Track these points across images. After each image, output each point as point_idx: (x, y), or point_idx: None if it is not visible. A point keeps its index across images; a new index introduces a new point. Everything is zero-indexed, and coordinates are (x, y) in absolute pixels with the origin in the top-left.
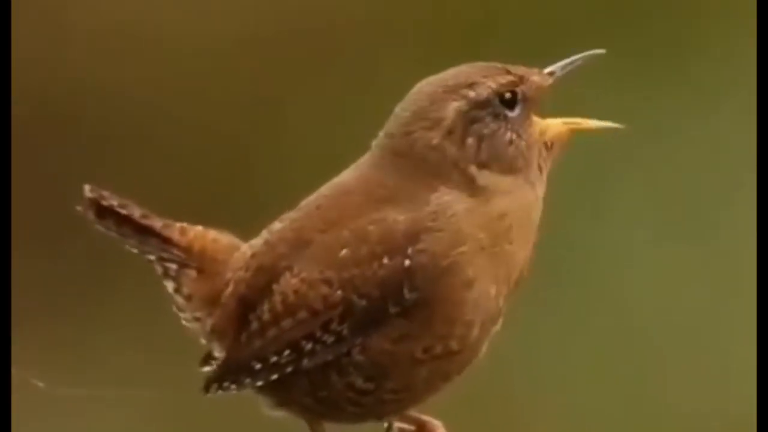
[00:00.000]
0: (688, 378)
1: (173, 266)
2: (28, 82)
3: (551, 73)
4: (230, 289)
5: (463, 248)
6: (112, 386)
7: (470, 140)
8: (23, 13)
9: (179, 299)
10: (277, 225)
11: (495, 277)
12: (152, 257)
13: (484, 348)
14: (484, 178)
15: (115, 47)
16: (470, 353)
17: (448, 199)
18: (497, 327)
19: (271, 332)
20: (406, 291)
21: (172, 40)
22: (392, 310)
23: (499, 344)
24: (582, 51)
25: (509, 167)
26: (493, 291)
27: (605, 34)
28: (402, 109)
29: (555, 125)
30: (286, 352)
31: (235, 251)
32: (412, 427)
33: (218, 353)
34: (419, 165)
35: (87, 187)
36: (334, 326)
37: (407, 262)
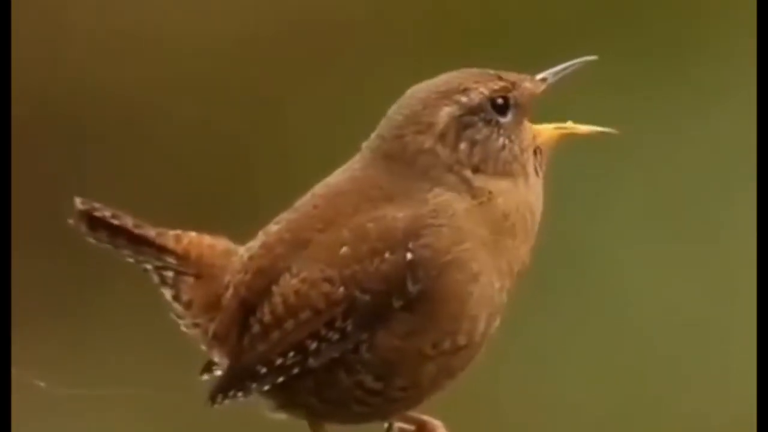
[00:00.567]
0: (687, 378)
1: (170, 274)
2: (28, 82)
3: (543, 80)
4: (230, 293)
5: (466, 245)
6: (112, 386)
7: (463, 145)
8: (23, 13)
9: (178, 306)
10: (273, 227)
11: (499, 271)
12: (148, 266)
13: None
14: (480, 181)
15: (115, 47)
16: (475, 348)
17: (446, 199)
18: (497, 322)
19: (275, 335)
20: (409, 284)
21: (172, 40)
22: (396, 304)
23: (499, 344)
24: (582, 52)
25: (504, 171)
26: (497, 285)
27: (605, 35)
28: (394, 113)
29: (546, 130)
30: (291, 354)
31: (232, 255)
32: (412, 427)
33: (219, 360)
34: (410, 168)
35: (78, 200)
36: (338, 323)
37: (409, 255)
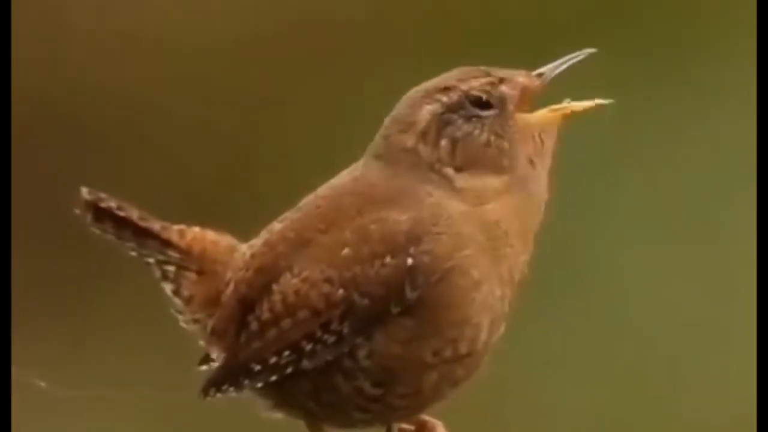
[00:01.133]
0: (688, 379)
1: (171, 268)
2: (28, 82)
3: (540, 75)
4: (230, 289)
5: (467, 251)
6: (112, 386)
7: (443, 143)
8: (23, 13)
9: (178, 301)
10: (276, 225)
11: (499, 278)
12: (150, 260)
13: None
14: (463, 180)
15: (115, 47)
16: (478, 357)
17: (440, 201)
18: (501, 330)
19: (271, 333)
20: (408, 290)
21: (172, 40)
22: (394, 309)
23: (499, 345)
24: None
25: (493, 168)
26: (498, 292)
27: (605, 34)
28: (389, 114)
29: (539, 115)
30: (286, 353)
31: (235, 252)
32: (412, 427)
33: (216, 355)
34: (396, 167)
35: (84, 190)
36: (334, 326)
37: (410, 261)
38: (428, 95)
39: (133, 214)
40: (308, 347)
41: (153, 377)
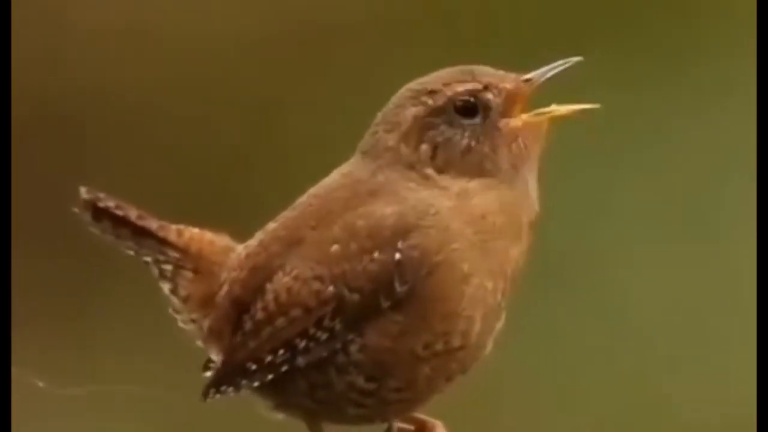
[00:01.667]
0: (688, 378)
1: (169, 268)
2: (28, 82)
3: (528, 80)
4: (225, 289)
5: (455, 245)
6: (111, 386)
7: (424, 147)
8: (23, 13)
9: (176, 301)
10: (271, 225)
11: (490, 271)
12: (148, 259)
13: (489, 346)
14: (445, 180)
15: (114, 48)
16: (474, 350)
17: (427, 196)
18: (500, 324)
19: (266, 332)
20: (397, 284)
21: (172, 41)
22: (384, 304)
23: (499, 344)
24: (581, 51)
25: (475, 172)
26: (490, 285)
27: (605, 34)
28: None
29: (524, 119)
30: (281, 351)
31: (231, 253)
32: (412, 427)
33: (215, 356)
34: (379, 163)
35: (83, 189)
36: (326, 322)
37: (398, 256)
38: (415, 96)
39: (132, 213)
40: (302, 344)
41: (152, 377)
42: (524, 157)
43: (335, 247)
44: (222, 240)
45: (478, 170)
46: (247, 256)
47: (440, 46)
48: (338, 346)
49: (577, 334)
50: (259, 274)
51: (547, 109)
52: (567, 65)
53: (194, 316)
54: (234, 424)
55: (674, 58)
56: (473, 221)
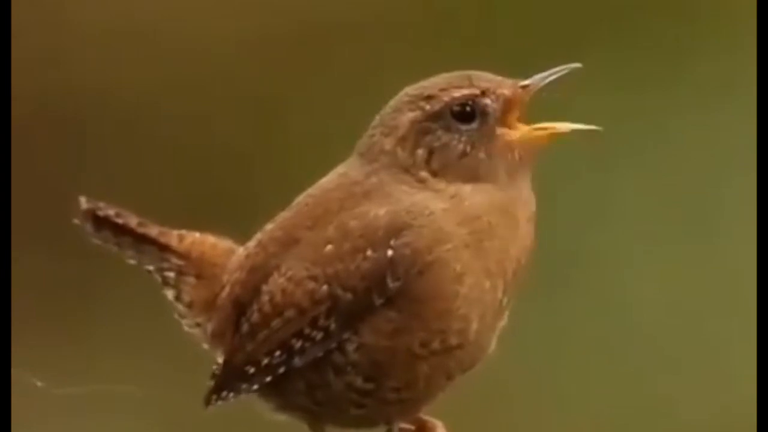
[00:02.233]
0: (688, 377)
1: (172, 275)
2: (28, 82)
3: (526, 86)
4: (226, 291)
5: (448, 245)
6: (111, 386)
7: (420, 151)
8: (23, 13)
9: (180, 307)
10: (269, 225)
11: (487, 271)
12: (151, 267)
13: (492, 344)
14: (440, 184)
15: (114, 48)
16: (473, 349)
17: (421, 198)
18: (503, 322)
19: (262, 334)
20: (389, 280)
21: (172, 41)
22: (377, 301)
23: (499, 344)
24: (581, 51)
25: (468, 177)
26: (487, 284)
27: (605, 34)
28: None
29: (522, 133)
30: (277, 353)
31: (233, 255)
32: (412, 427)
33: (220, 359)
34: (374, 165)
35: (82, 199)
36: (321, 322)
37: (390, 253)
38: (412, 101)
39: (132, 220)
40: (298, 345)
41: (152, 377)
42: (519, 167)
43: (329, 247)
44: (223, 243)
45: (473, 175)
46: (247, 256)
47: (440, 47)
48: (334, 345)
49: (578, 334)
50: (257, 275)
51: (546, 125)
52: (565, 71)
53: (199, 320)
54: (235, 424)
55: (674, 58)
56: (468, 222)
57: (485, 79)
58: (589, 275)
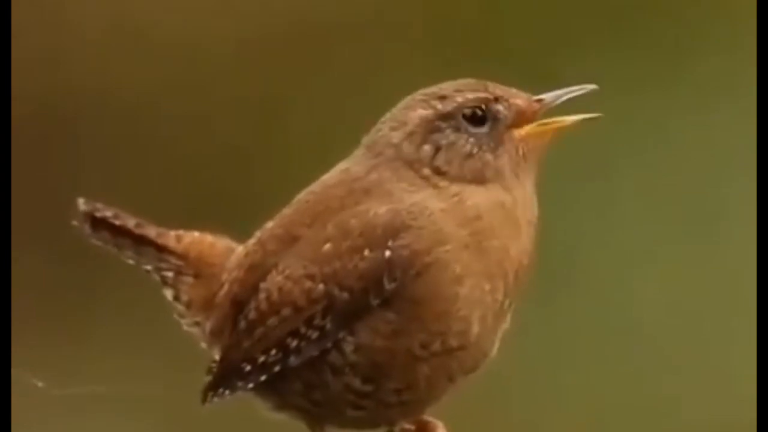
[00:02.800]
0: (688, 377)
1: (170, 274)
2: (28, 82)
3: (539, 100)
4: (224, 290)
5: (447, 247)
6: (110, 386)
7: (426, 147)
8: (23, 13)
9: (179, 306)
10: (269, 223)
11: (487, 272)
12: (149, 267)
13: (494, 347)
14: (442, 183)
15: (115, 48)
16: (475, 351)
17: (422, 197)
18: (505, 325)
19: (258, 331)
20: (386, 281)
21: (172, 41)
22: (374, 301)
23: (500, 345)
24: (581, 51)
25: (473, 178)
26: (487, 286)
27: (606, 34)
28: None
29: (528, 129)
30: (273, 351)
31: (232, 254)
32: (413, 427)
33: (217, 357)
34: (378, 159)
35: (81, 201)
36: (317, 321)
37: (387, 254)
38: (425, 99)
39: (130, 222)
40: (293, 344)
41: (151, 377)
42: (524, 164)
43: (328, 246)
44: (222, 242)
45: (477, 176)
46: (246, 255)
47: (440, 47)
48: (329, 345)
49: (578, 334)
50: (255, 273)
51: (551, 120)
52: (581, 92)
53: (198, 319)
54: (234, 424)
55: (674, 58)
56: (468, 222)
57: (501, 88)
58: (589, 275)
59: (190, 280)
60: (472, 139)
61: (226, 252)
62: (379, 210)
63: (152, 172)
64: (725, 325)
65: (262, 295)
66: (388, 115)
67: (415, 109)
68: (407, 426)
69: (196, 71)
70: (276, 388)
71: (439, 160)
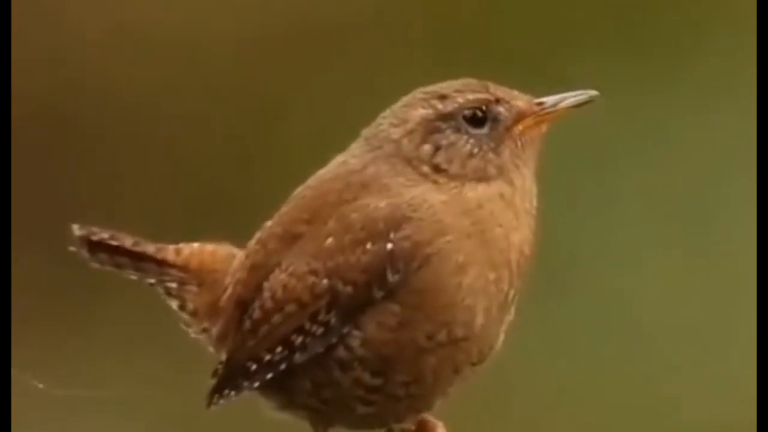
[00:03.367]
0: (688, 378)
1: (174, 285)
2: (28, 82)
3: (540, 104)
4: (228, 292)
5: (448, 237)
6: (110, 387)
7: (426, 146)
8: (23, 13)
9: (185, 316)
10: (268, 222)
11: (491, 261)
12: (152, 281)
13: (500, 338)
14: (441, 179)
15: (114, 48)
16: (479, 341)
17: (421, 191)
18: (510, 316)
19: (263, 329)
20: (389, 274)
21: (172, 41)
22: (377, 294)
23: (502, 345)
24: (582, 50)
25: (474, 176)
26: (492, 276)
27: (606, 34)
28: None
29: (526, 122)
30: (278, 349)
31: (233, 259)
32: (413, 427)
33: (223, 358)
34: (377, 153)
35: (75, 227)
36: (321, 316)
37: (389, 246)
38: (426, 99)
39: (127, 241)
40: (298, 341)
41: (152, 378)
42: (523, 155)
43: (330, 240)
44: (223, 249)
45: (480, 175)
46: (247, 255)
47: (440, 47)
48: (334, 340)
49: (578, 334)
50: (258, 273)
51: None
52: (582, 98)
53: (205, 325)
54: (235, 424)
55: (674, 58)
56: (469, 211)
57: (502, 89)
58: (589, 275)
59: (194, 289)
60: (471, 140)
61: (227, 258)
62: (379, 203)
63: (152, 171)
64: (725, 325)
65: (266, 294)
66: (388, 111)
67: (415, 107)
68: (407, 426)
69: (196, 71)
70: (284, 387)
71: (439, 159)
